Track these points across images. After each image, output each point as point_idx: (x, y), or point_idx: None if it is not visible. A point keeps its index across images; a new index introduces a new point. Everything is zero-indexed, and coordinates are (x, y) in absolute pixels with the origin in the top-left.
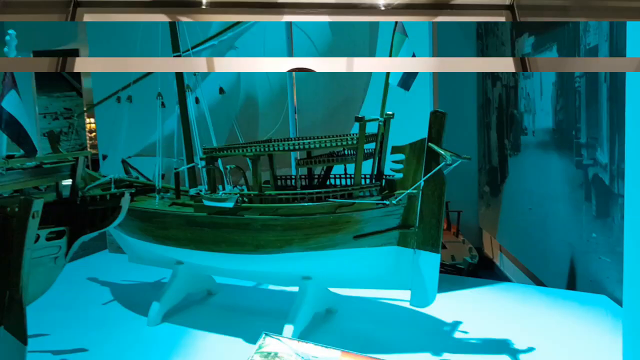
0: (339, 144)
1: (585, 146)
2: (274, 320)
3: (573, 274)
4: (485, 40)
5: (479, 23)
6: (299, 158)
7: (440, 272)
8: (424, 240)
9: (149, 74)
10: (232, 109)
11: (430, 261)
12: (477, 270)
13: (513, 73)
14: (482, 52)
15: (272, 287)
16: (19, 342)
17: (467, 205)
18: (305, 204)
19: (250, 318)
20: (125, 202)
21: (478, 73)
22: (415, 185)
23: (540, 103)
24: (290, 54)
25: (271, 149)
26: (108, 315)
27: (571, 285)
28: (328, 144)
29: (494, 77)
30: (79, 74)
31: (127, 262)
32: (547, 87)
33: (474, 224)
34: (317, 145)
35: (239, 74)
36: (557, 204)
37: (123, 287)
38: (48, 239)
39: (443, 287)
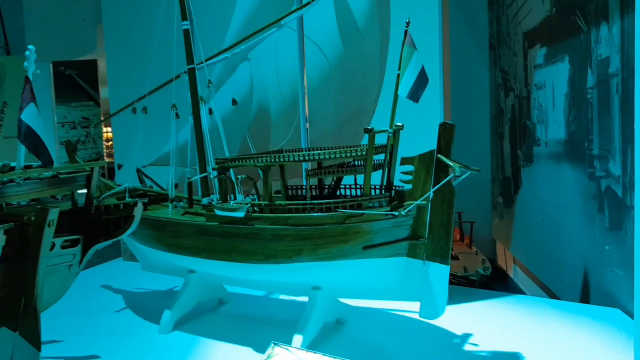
0: (349, 155)
1: (598, 158)
2: (283, 330)
3: (586, 287)
4: (498, 51)
5: (491, 33)
6: (309, 169)
7: (453, 283)
8: (433, 252)
9: (164, 85)
10: (245, 119)
11: (440, 273)
12: (491, 282)
13: (526, 84)
14: (495, 63)
15: (282, 297)
16: (34, 348)
17: (481, 216)
18: (315, 214)
19: (261, 327)
20: (138, 211)
21: (491, 83)
22: (425, 196)
23: (553, 114)
24: (302, 65)
25: (282, 159)
26: (121, 323)
27: (585, 298)
28: (338, 155)
29: (507, 87)
30: (97, 84)
31: (141, 271)
32: (559, 99)
33: (488, 235)
34: (327, 157)
35: (252, 85)
36: (570, 216)
37: (136, 295)
38: (63, 247)
39: (455, 299)
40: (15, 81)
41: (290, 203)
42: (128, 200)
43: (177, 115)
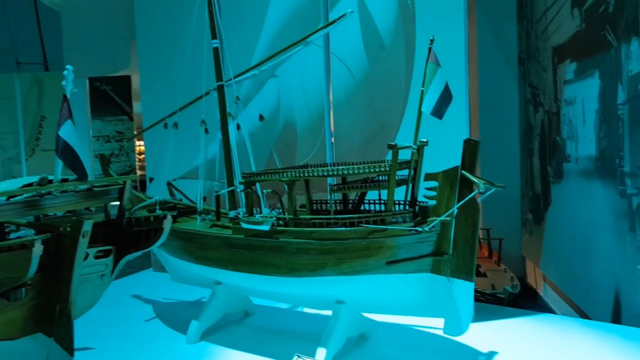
0: (372, 170)
1: (629, 175)
2: (307, 342)
3: (618, 307)
4: (527, 66)
5: (520, 48)
6: (334, 183)
7: (480, 301)
8: (457, 268)
9: (194, 101)
10: (272, 134)
11: (464, 289)
12: (519, 300)
13: (555, 99)
14: (524, 77)
15: (307, 310)
16: (67, 354)
17: (510, 232)
18: (339, 228)
19: (285, 340)
20: (167, 224)
21: (520, 98)
22: (448, 212)
23: (583, 130)
24: (327, 81)
25: (306, 174)
26: (150, 332)
27: (616, 318)
28: (361, 170)
29: (536, 102)
30: (130, 98)
31: (170, 281)
32: (589, 114)
33: (517, 252)
34: (351, 172)
35: (278, 101)
36: (600, 234)
37: (165, 305)
38: (96, 257)
39: (482, 316)
40: (53, 96)
41: (314, 217)
42: (158, 212)
43: (206, 130)
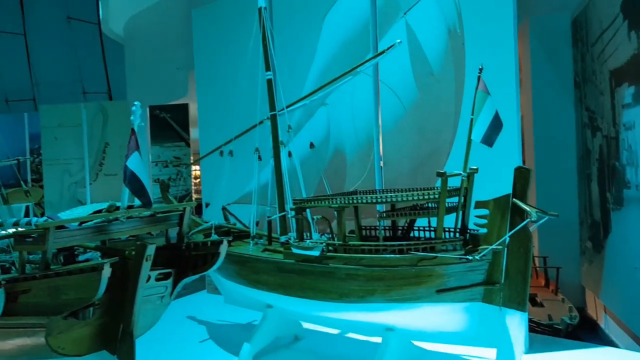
0: (421, 197)
1: None
2: None
3: None
4: (583, 89)
5: (575, 71)
6: (383, 210)
7: (536, 331)
8: (510, 298)
9: (248, 130)
10: (322, 161)
11: (517, 319)
12: (578, 331)
13: (613, 123)
14: (581, 101)
15: (356, 336)
16: None
17: (568, 261)
18: (388, 255)
19: None
20: (223, 249)
21: (577, 123)
22: (500, 240)
23: None
24: (377, 110)
25: (355, 201)
26: (204, 352)
27: None
28: (410, 198)
29: (594, 127)
30: (187, 125)
31: (223, 303)
32: None
33: (576, 281)
34: (400, 199)
35: (328, 129)
36: None
37: (218, 326)
38: (157, 280)
39: (537, 347)
40: (116, 124)
41: (363, 243)
42: (214, 237)
43: (260, 158)
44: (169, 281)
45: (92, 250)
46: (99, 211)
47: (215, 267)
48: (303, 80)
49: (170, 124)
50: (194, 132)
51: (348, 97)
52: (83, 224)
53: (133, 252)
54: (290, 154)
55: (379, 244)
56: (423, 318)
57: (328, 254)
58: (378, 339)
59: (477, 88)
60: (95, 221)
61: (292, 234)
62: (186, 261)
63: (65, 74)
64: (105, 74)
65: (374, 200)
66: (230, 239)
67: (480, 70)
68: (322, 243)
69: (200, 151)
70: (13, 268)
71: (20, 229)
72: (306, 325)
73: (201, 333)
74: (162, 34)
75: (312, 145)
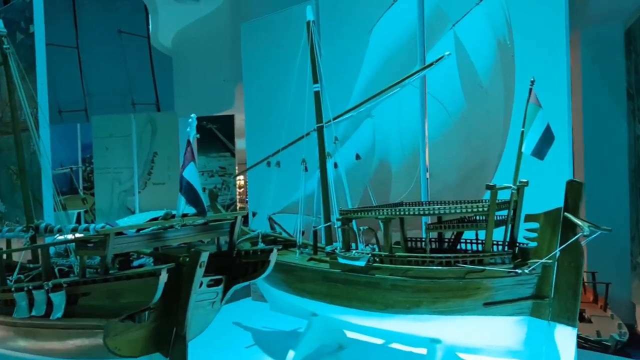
0: (469, 210)
1: None
2: None
3: None
4: (636, 101)
5: (629, 82)
6: (429, 222)
7: (584, 347)
8: (559, 313)
9: (295, 142)
10: (367, 172)
11: (566, 335)
12: (627, 348)
13: None
14: (634, 113)
15: (400, 346)
16: None
17: (618, 276)
18: (435, 267)
19: None
20: (273, 257)
21: (629, 135)
22: (550, 255)
23: None
24: (423, 121)
25: (402, 212)
26: (250, 358)
27: None
28: (458, 210)
29: None
30: (233, 136)
31: (267, 310)
32: None
33: (626, 297)
34: (447, 212)
35: (374, 140)
36: None
37: (263, 333)
38: (209, 286)
39: None
40: (164, 134)
41: (410, 255)
42: (261, 246)
43: (306, 169)
44: (220, 287)
45: (145, 257)
46: (155, 219)
47: (265, 274)
48: (349, 92)
49: (216, 134)
50: (239, 143)
51: (394, 109)
52: (140, 231)
53: (187, 259)
54: (336, 165)
55: (425, 255)
56: (469, 331)
57: (374, 264)
58: (422, 350)
59: (528, 100)
60: (152, 228)
61: (338, 244)
62: (237, 268)
63: (116, 86)
64: (154, 85)
65: (421, 212)
66: (280, 247)
67: (532, 82)
68: (368, 254)
69: (247, 161)
70: (71, 272)
71: (81, 235)
72: (350, 334)
73: (247, 339)
74: (210, 47)
75: (358, 156)
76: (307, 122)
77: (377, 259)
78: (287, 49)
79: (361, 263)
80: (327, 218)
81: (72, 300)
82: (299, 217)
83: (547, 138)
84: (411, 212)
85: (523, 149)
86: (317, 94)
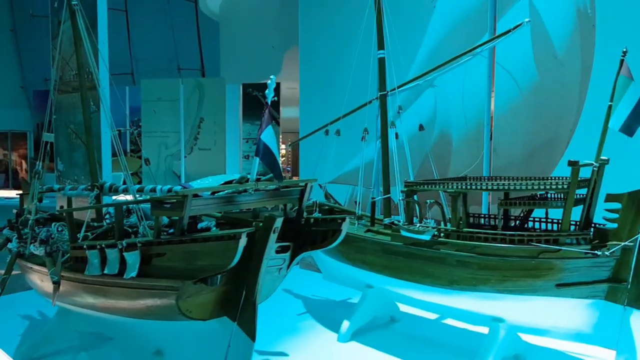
0: (548, 186)
1: None
2: (454, 356)
3: None
4: None
5: None
6: (502, 198)
7: None
8: (637, 298)
9: (356, 110)
10: (425, 144)
11: None
12: None
13: None
14: None
15: (451, 322)
16: (249, 339)
17: None
18: (506, 245)
19: (432, 350)
20: (345, 226)
21: None
22: (633, 238)
23: None
24: (489, 93)
25: (474, 187)
26: (302, 325)
27: None
28: (536, 187)
29: None
30: (278, 104)
31: (316, 279)
32: None
33: None
34: (525, 188)
35: (435, 111)
36: None
37: (313, 301)
38: (277, 252)
39: None
40: (211, 100)
41: (480, 231)
42: (316, 215)
43: (364, 138)
44: (287, 254)
45: (206, 220)
46: (229, 182)
47: (335, 243)
48: (411, 60)
49: (262, 102)
50: (283, 112)
51: (459, 79)
52: (215, 194)
53: (261, 224)
54: (397, 136)
55: (496, 232)
56: (538, 312)
57: (440, 239)
58: (477, 328)
59: (619, 72)
60: (226, 192)
61: (400, 217)
62: (305, 236)
63: (162, 51)
64: (200, 51)
65: (501, 188)
66: (352, 217)
67: (625, 53)
68: (434, 228)
69: (300, 130)
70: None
71: (157, 196)
72: (402, 308)
73: (298, 307)
74: (258, 13)
75: (421, 127)
76: (368, 90)
77: (443, 234)
78: (348, 14)
79: (426, 237)
80: (387, 190)
81: (145, 260)
82: (359, 188)
83: (637, 114)
84: (489, 187)
85: (610, 124)
86: (381, 61)
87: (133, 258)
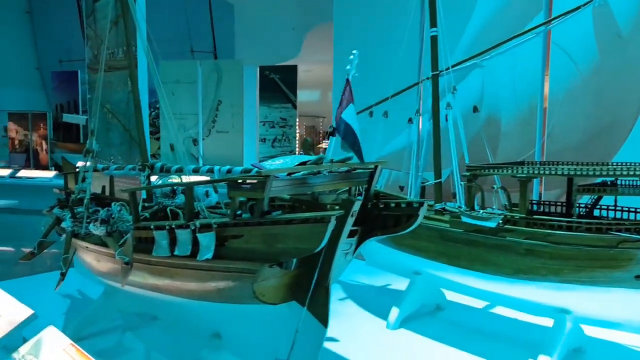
0: (632, 172)
1: None
2: (510, 346)
3: None
4: None
5: None
6: (580, 184)
7: None
8: None
9: (403, 90)
10: (472, 128)
11: None
12: None
13: None
14: None
15: (501, 311)
16: (320, 325)
17: None
18: (583, 234)
19: (484, 339)
20: (422, 211)
21: None
22: None
23: None
24: (544, 74)
25: (546, 172)
26: (346, 311)
27: None
28: (618, 172)
29: None
30: (295, 87)
31: (355, 264)
32: None
33: None
34: (624, 172)
35: (482, 93)
36: None
37: (355, 286)
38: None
39: None
40: (229, 82)
41: (552, 219)
42: (412, 199)
43: (411, 120)
44: (354, 239)
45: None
46: (303, 163)
47: (410, 229)
48: (457, 39)
49: (278, 85)
50: (300, 95)
51: (509, 60)
52: (291, 175)
53: (336, 207)
54: (446, 118)
55: (572, 220)
56: (613, 304)
57: (506, 226)
58: (527, 317)
59: None
60: (303, 173)
61: (451, 204)
62: (375, 220)
63: (175, 32)
64: (212, 33)
65: (589, 173)
66: (431, 202)
67: None
68: (499, 214)
69: (333, 113)
70: (180, 213)
71: (235, 176)
72: (449, 296)
73: (338, 292)
74: None
75: (475, 109)
76: (409, 72)
77: (510, 221)
78: None
79: (492, 224)
80: (438, 174)
81: (219, 242)
82: (412, 172)
83: None
84: (569, 172)
85: None
86: (434, 39)
87: (208, 239)
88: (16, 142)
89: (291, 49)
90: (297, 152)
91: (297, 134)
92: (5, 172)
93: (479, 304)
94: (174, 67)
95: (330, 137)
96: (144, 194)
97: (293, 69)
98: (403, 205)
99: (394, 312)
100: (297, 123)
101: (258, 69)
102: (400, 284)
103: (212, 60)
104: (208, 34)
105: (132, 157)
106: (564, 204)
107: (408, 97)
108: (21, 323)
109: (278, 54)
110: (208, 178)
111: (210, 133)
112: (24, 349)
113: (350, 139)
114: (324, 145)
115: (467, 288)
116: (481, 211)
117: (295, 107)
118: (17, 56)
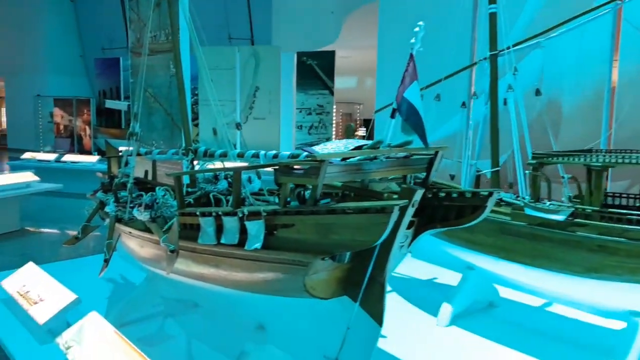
0: None
1: None
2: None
3: None
4: None
5: None
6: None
7: None
8: None
9: (460, 71)
10: (530, 111)
11: None
12: None
13: None
14: None
15: (556, 310)
16: (374, 322)
17: None
18: None
19: (541, 339)
20: (491, 202)
21: None
22: None
23: None
24: (613, 55)
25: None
26: (392, 305)
27: None
28: None
29: None
30: (333, 73)
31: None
32: None
33: None
34: None
35: (541, 76)
36: None
37: (397, 279)
38: None
39: None
40: (266, 68)
41: (631, 212)
42: (480, 190)
43: (464, 104)
44: (410, 231)
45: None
46: (358, 148)
47: (476, 221)
48: (515, 17)
49: (316, 71)
50: (338, 81)
51: (573, 39)
52: (346, 160)
53: (394, 196)
54: (505, 102)
55: None
56: None
57: (577, 220)
58: (592, 318)
59: None
60: (359, 158)
61: (510, 195)
62: (434, 211)
63: (212, 18)
64: (249, 19)
65: None
66: (499, 193)
67: None
68: (569, 207)
69: (377, 99)
70: (223, 199)
71: (287, 160)
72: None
73: None
74: None
75: (538, 92)
76: (461, 52)
77: (579, 214)
78: None
79: (560, 217)
80: (496, 162)
81: (268, 231)
82: (465, 161)
83: None
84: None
85: None
86: (492, 16)
87: (256, 228)
88: (61, 127)
89: (329, 34)
90: (333, 139)
91: (334, 121)
92: (51, 156)
93: (535, 302)
94: (212, 54)
95: (392, 118)
96: (186, 179)
97: (331, 54)
98: (468, 195)
99: (446, 309)
100: (334, 110)
101: (295, 55)
102: (446, 277)
103: (249, 46)
104: (245, 20)
105: (174, 141)
106: (638, 196)
107: (458, 80)
108: (65, 307)
109: (316, 40)
110: (246, 164)
111: (247, 120)
112: (67, 335)
113: (414, 121)
114: (360, 132)
115: (526, 285)
116: (548, 203)
117: (332, 93)
118: (62, 44)
